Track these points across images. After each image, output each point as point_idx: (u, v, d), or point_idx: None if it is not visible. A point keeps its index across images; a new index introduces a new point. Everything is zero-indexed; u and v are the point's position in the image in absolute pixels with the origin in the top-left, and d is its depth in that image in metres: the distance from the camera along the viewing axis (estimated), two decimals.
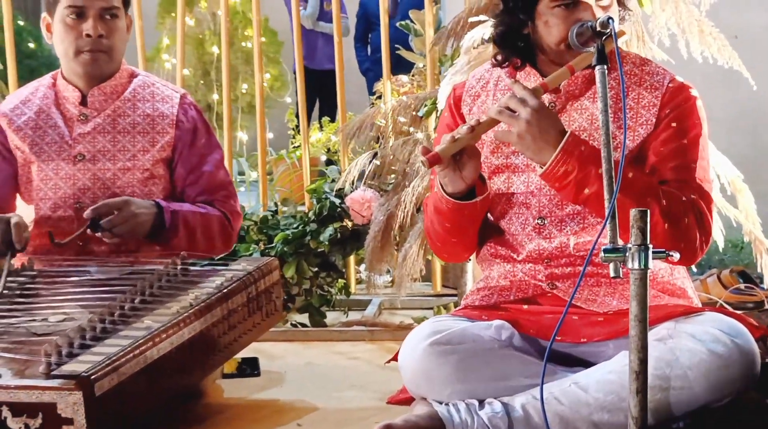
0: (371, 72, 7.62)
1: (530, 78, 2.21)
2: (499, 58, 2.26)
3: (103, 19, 2.58)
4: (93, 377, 1.82)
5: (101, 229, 2.48)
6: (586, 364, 2.08)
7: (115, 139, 2.65)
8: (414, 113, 3.47)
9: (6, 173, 2.68)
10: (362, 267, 3.59)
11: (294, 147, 5.31)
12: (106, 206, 2.49)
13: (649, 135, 2.14)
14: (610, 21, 1.96)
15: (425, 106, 3.38)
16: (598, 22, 1.98)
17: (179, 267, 2.41)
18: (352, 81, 8.54)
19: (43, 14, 2.65)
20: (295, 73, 4.25)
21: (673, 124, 2.13)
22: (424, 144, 3.16)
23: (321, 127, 5.62)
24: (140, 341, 1.97)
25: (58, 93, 2.70)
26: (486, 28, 2.98)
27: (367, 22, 7.80)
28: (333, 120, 5.58)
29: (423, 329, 2.14)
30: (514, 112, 2.02)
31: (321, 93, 7.64)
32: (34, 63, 7.26)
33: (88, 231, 2.50)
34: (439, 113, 3.22)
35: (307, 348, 3.20)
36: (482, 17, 3.01)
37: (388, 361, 2.30)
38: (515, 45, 2.21)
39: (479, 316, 2.18)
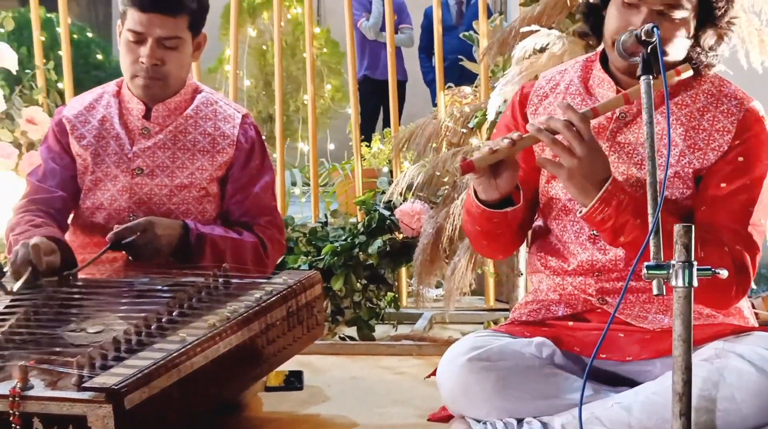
0: (435, 83, 7.58)
1: (603, 85, 2.14)
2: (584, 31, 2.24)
3: (162, 46, 2.54)
4: (123, 390, 1.79)
5: (122, 249, 2.48)
6: (632, 383, 2.03)
7: (174, 155, 2.64)
8: (467, 124, 3.43)
9: (69, 174, 2.67)
10: (413, 280, 3.54)
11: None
12: (128, 230, 2.46)
13: (718, 161, 2.06)
14: (655, 30, 1.87)
15: (476, 117, 3.33)
16: (643, 30, 1.89)
17: (220, 280, 2.38)
18: (417, 92, 8.57)
19: (118, 21, 2.62)
20: (359, 83, 4.23)
21: (740, 159, 2.05)
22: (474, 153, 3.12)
23: (383, 137, 5.59)
24: (174, 354, 1.94)
25: (122, 103, 2.69)
26: (538, 38, 2.92)
27: (432, 32, 7.75)
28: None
29: (462, 345, 2.10)
30: (557, 132, 1.94)
31: (384, 103, 7.61)
32: (102, 74, 7.36)
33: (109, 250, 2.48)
34: (488, 124, 3.18)
35: (353, 362, 3.17)
36: (534, 27, 2.96)
37: (428, 376, 2.26)
38: (594, 29, 2.18)
39: (521, 332, 2.14)
